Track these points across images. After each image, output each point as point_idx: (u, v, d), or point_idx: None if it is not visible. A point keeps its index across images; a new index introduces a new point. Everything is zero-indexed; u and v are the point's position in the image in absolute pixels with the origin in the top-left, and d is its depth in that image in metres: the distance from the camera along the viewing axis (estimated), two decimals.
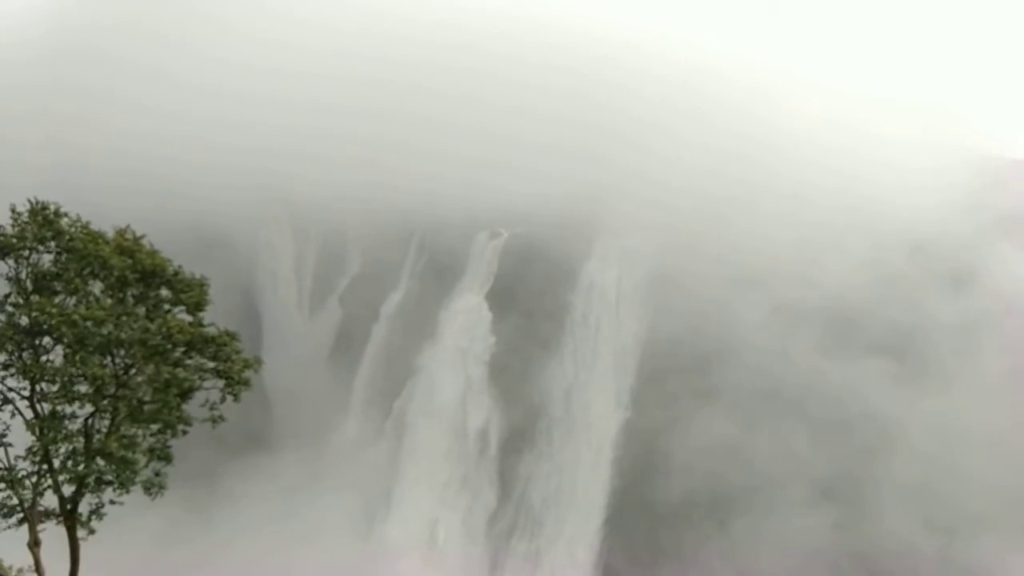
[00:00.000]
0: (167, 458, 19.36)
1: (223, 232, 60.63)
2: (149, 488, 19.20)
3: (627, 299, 52.88)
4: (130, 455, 18.55)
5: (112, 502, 19.45)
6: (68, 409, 18.66)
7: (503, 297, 56.02)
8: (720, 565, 46.18)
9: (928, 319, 46.85)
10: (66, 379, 18.33)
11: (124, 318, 18.46)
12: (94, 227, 19.13)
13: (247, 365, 19.32)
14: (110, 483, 18.87)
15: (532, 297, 55.52)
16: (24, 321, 18.56)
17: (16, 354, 18.73)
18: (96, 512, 19.45)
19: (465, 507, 53.97)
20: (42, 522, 19.76)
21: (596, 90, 60.55)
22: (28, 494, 18.94)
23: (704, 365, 49.51)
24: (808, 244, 48.39)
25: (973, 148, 56.44)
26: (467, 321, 55.79)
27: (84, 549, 19.92)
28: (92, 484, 18.99)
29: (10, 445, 18.97)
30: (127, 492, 19.27)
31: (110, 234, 19.19)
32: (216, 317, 20.13)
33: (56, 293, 18.65)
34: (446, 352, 55.56)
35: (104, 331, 18.06)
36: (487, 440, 54.51)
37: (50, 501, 19.64)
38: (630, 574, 49.47)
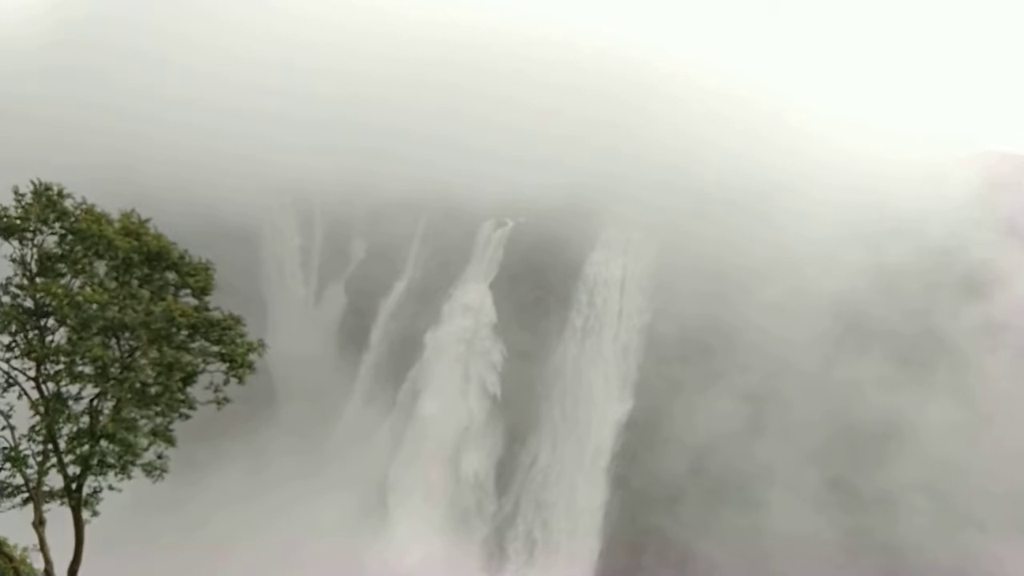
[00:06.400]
0: (170, 441, 19.41)
1: (229, 218, 60.77)
2: (150, 471, 19.27)
3: (632, 289, 52.83)
4: (131, 438, 18.60)
5: (111, 487, 19.51)
6: (72, 390, 18.72)
7: (508, 286, 56.00)
8: (725, 555, 46.09)
9: (936, 318, 46.59)
10: (70, 360, 18.37)
11: (128, 301, 18.50)
12: (98, 211, 19.14)
13: (251, 348, 19.35)
14: (112, 466, 18.94)
15: (537, 286, 55.50)
16: (29, 303, 18.61)
17: (21, 335, 18.79)
18: (94, 495, 19.51)
19: (466, 493, 54.05)
20: (47, 502, 19.85)
21: (602, 84, 60.60)
22: (33, 473, 19.04)
23: (708, 356, 49.46)
24: (815, 240, 48.18)
25: (980, 144, 56.20)
26: (471, 309, 55.77)
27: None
28: (95, 466, 19.07)
29: (13, 428, 19.02)
30: (128, 477, 19.32)
31: (115, 217, 19.21)
32: (221, 303, 20.17)
33: (61, 275, 18.68)
34: (449, 341, 55.56)
35: (108, 314, 18.11)
36: (490, 436, 54.45)
37: (55, 482, 19.74)
38: (632, 562, 49.57)
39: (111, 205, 19.69)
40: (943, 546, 41.32)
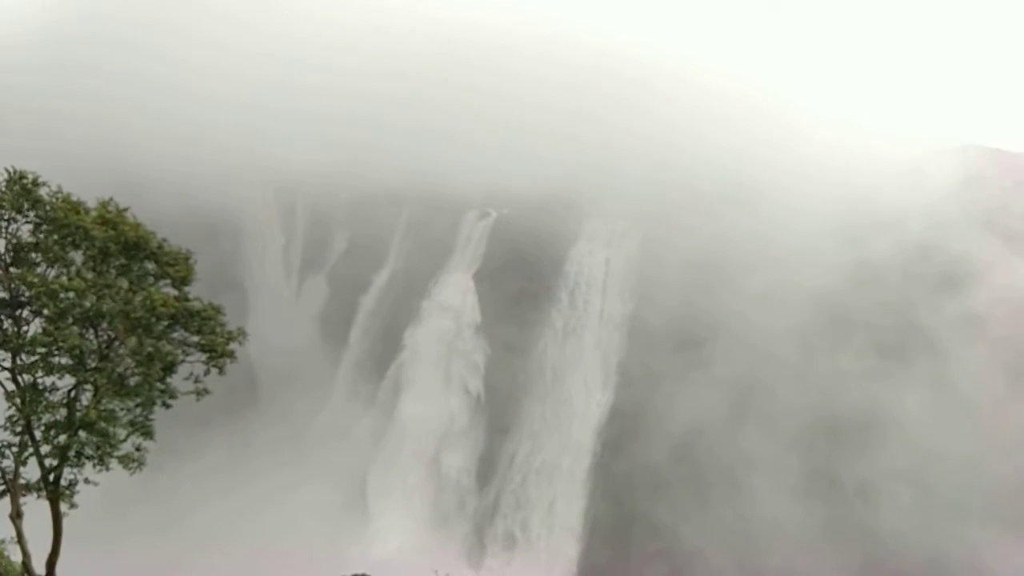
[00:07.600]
0: (148, 433, 19.15)
1: (211, 208, 60.23)
2: (128, 463, 19.00)
3: (614, 281, 52.91)
4: (111, 428, 18.34)
5: (87, 480, 19.23)
6: (49, 380, 18.42)
7: (492, 277, 55.88)
8: (709, 543, 46.35)
9: (916, 310, 47.08)
10: (46, 351, 18.07)
11: (106, 290, 18.20)
12: (74, 199, 18.78)
13: (231, 338, 19.11)
14: (90, 457, 18.67)
15: (521, 277, 55.44)
16: (3, 293, 18.27)
17: None
18: (70, 487, 19.23)
19: (448, 486, 54.00)
20: (24, 494, 19.57)
21: (592, 78, 60.72)
22: (10, 464, 18.75)
23: (692, 346, 49.69)
24: (799, 233, 48.49)
25: (958, 139, 56.89)
26: (451, 309, 55.52)
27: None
28: (73, 458, 18.79)
29: None
30: (107, 468, 19.05)
31: (92, 206, 18.87)
32: (202, 293, 19.93)
33: (35, 264, 18.34)
34: (429, 341, 55.30)
35: (86, 303, 17.82)
36: (472, 434, 54.29)
37: (32, 474, 19.45)
38: (617, 552, 49.80)
39: (96, 194, 19.35)
40: (923, 534, 41.86)
